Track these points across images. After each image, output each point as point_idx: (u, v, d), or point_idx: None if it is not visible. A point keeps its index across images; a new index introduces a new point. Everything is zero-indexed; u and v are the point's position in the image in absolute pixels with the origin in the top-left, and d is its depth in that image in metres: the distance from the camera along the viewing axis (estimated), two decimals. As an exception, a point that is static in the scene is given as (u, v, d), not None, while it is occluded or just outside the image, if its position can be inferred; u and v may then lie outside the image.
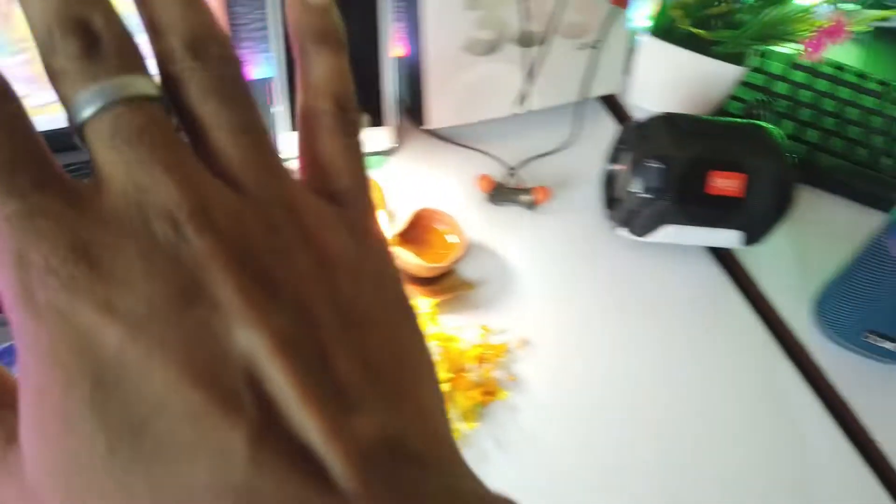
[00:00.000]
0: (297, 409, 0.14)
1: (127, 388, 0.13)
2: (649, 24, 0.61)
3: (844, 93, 0.68)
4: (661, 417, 0.49)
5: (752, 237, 0.54)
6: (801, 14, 0.54)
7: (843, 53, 0.78)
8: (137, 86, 0.15)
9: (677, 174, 0.51)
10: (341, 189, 0.18)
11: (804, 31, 0.54)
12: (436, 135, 0.63)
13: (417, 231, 0.55)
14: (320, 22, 0.18)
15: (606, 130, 0.66)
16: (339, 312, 0.16)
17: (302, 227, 0.16)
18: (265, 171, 0.16)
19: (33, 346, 0.14)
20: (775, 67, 0.69)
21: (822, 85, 0.68)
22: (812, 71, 0.70)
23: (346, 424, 0.14)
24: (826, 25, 0.53)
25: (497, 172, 0.61)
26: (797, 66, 0.70)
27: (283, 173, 0.16)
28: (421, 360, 0.17)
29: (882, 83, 0.70)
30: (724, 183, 0.51)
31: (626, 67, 0.66)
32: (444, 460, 0.16)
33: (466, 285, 0.54)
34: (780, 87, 0.67)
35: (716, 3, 0.58)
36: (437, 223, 0.55)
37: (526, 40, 0.60)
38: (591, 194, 0.60)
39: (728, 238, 0.54)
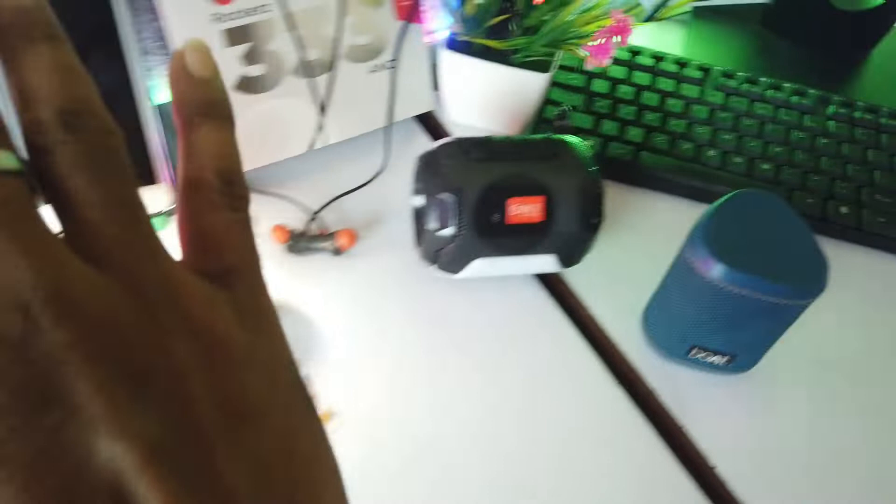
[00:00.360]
0: None
1: None
2: (445, 36, 0.56)
3: (665, 84, 0.65)
4: (496, 468, 0.45)
5: (568, 259, 0.50)
6: (589, 15, 0.51)
7: (662, 39, 0.76)
8: None
9: (472, 206, 0.46)
10: (227, 267, 0.16)
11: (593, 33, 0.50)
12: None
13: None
14: (205, 93, 0.17)
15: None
16: (223, 408, 0.13)
17: (181, 312, 0.14)
18: (139, 250, 0.14)
19: None
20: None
21: (641, 78, 0.65)
22: (630, 64, 0.66)
23: None
24: (609, 26, 0.49)
25: (298, 218, 0.55)
26: (614, 61, 0.66)
27: (160, 252, 0.15)
28: (319, 457, 0.16)
29: (703, 69, 0.67)
30: (523, 209, 0.47)
31: (435, 83, 0.62)
32: None
33: (266, 355, 0.49)
34: (599, 86, 0.64)
35: (498, 12, 0.54)
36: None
37: (307, 70, 0.54)
38: (406, 229, 0.55)
39: (543, 263, 0.50)
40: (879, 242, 0.58)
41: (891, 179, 0.60)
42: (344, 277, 0.53)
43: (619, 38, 0.49)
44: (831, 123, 0.64)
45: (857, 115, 0.65)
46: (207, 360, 0.14)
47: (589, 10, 0.52)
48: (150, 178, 0.52)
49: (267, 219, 0.54)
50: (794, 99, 0.65)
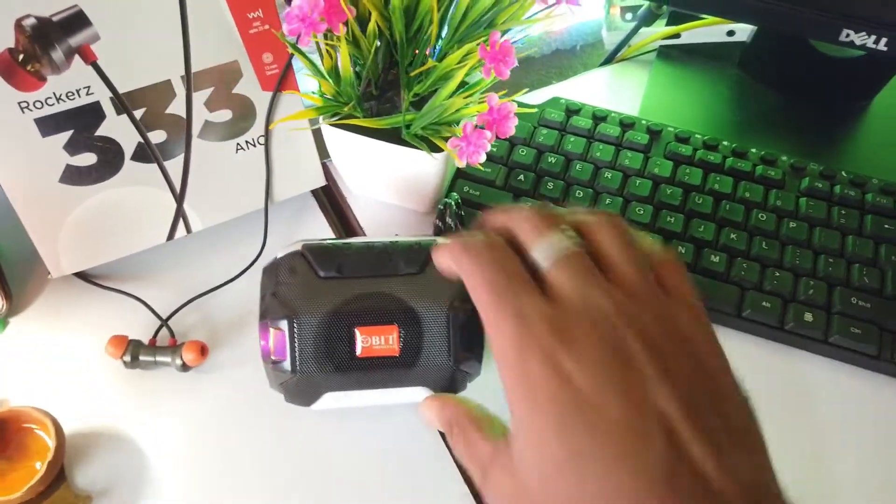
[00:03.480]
0: (700, 453, 0.23)
1: (585, 413, 0.23)
2: (322, 109, 0.47)
3: (604, 151, 0.55)
4: None
5: (447, 389, 0.41)
6: (462, 97, 0.41)
7: (620, 84, 0.65)
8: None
9: (311, 338, 0.38)
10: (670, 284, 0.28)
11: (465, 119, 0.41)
12: (84, 277, 0.49)
13: (2, 445, 0.41)
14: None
15: (319, 234, 0.53)
16: (704, 387, 0.24)
17: (674, 323, 0.26)
18: (646, 285, 0.27)
19: (523, 378, 0.25)
20: (521, 128, 0.56)
21: (575, 144, 0.55)
22: (564, 127, 0.56)
23: (733, 467, 0.23)
24: (481, 113, 0.40)
25: (150, 323, 0.48)
26: (543, 123, 0.57)
27: (652, 283, 0.27)
28: (756, 425, 0.25)
29: (652, 130, 0.56)
30: (373, 341, 0.38)
31: (327, 156, 0.53)
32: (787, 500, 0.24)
33: (82, 499, 0.41)
34: (523, 155, 0.54)
35: (370, 88, 0.45)
36: (31, 423, 0.42)
37: (147, 156, 0.46)
38: (269, 338, 0.47)
39: (414, 395, 0.41)
40: (850, 357, 0.47)
41: (873, 277, 0.49)
42: (188, 399, 0.45)
43: (493, 132, 0.39)
44: (804, 202, 0.53)
45: (837, 189, 0.53)
46: (690, 354, 0.25)
47: (468, 88, 0.42)
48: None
49: (113, 325, 0.47)
50: (760, 169, 0.54)
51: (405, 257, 0.40)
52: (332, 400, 0.40)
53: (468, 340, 0.39)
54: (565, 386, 0.24)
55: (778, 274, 0.49)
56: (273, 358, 0.39)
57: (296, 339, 0.38)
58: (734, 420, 0.24)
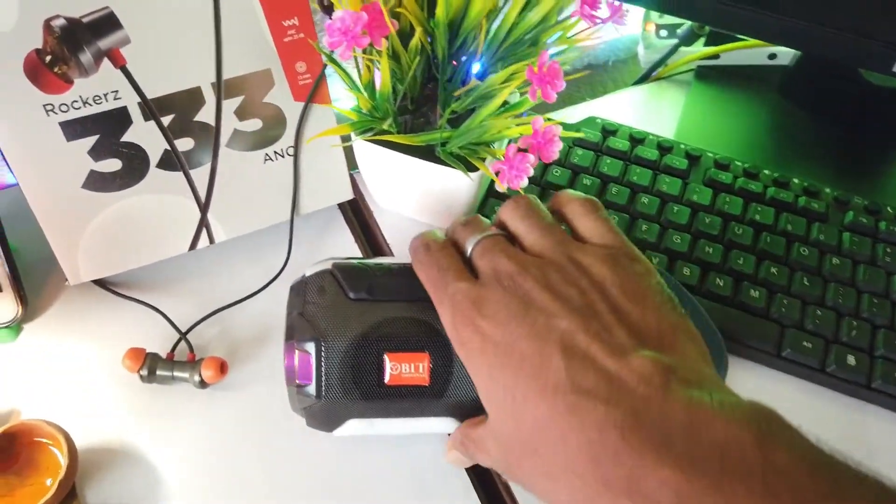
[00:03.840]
0: (601, 355, 0.28)
1: (501, 355, 0.30)
2: (358, 124, 0.46)
3: (641, 175, 0.53)
4: None
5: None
6: (506, 117, 0.39)
7: (656, 106, 0.63)
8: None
9: (337, 362, 0.36)
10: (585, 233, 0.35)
11: (509, 138, 0.39)
12: (102, 285, 0.48)
13: (13, 458, 0.40)
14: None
15: (344, 249, 0.52)
16: (608, 306, 0.30)
17: (579, 266, 0.32)
18: (553, 244, 0.33)
19: (461, 346, 0.32)
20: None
21: (611, 167, 0.53)
22: (600, 148, 0.55)
23: (638, 359, 0.27)
24: (524, 136, 0.38)
25: (168, 336, 0.46)
26: (578, 143, 0.55)
27: (559, 241, 0.33)
28: (678, 324, 0.30)
29: (691, 155, 0.55)
30: (403, 369, 0.37)
31: (355, 168, 0.51)
32: (709, 382, 0.27)
33: (92, 519, 0.40)
34: (557, 176, 0.53)
35: (408, 103, 0.43)
36: (43, 437, 0.41)
37: (172, 163, 0.45)
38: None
39: (442, 425, 0.39)
40: (892, 403, 0.45)
41: (919, 319, 0.47)
42: (205, 417, 0.44)
43: (536, 156, 0.38)
44: (847, 237, 0.51)
45: (882, 226, 0.51)
46: (596, 287, 0.31)
47: (510, 108, 0.41)
48: (-14, 287, 0.44)
49: (131, 337, 0.46)
50: (802, 201, 0.52)
51: None
52: (355, 427, 0.39)
53: None
54: (485, 341, 0.30)
55: (820, 312, 0.47)
56: (298, 382, 0.37)
57: (322, 363, 0.36)
58: (645, 323, 0.30)
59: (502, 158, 0.39)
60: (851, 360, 0.46)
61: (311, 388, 0.37)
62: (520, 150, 0.38)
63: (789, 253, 0.50)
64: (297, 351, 0.37)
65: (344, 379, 0.36)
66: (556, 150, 0.38)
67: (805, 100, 0.62)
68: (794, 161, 0.58)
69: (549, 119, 0.39)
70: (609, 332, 0.29)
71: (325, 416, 0.38)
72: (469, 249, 0.34)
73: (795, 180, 0.54)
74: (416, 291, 0.37)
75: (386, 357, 0.36)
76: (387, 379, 0.36)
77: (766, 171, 0.54)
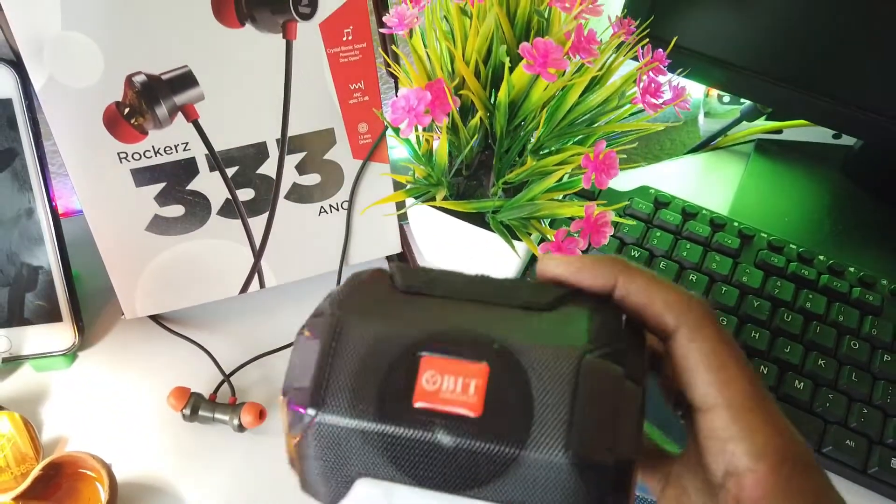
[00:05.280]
0: None
1: None
2: (412, 191, 0.47)
3: (691, 252, 0.53)
4: None
5: None
6: (559, 195, 0.40)
7: (713, 176, 0.63)
8: None
9: (352, 359, 0.22)
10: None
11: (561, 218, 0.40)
12: (156, 321, 0.50)
13: (56, 487, 0.42)
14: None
15: (386, 299, 0.53)
16: None
17: None
18: None
19: None
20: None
21: (661, 241, 0.53)
22: (651, 220, 0.54)
23: None
24: (578, 220, 0.38)
25: (212, 376, 0.48)
26: (630, 213, 0.55)
27: None
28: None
29: (744, 234, 0.54)
30: (444, 383, 0.21)
31: (404, 217, 0.52)
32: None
33: (126, 553, 0.41)
34: (604, 246, 0.53)
35: (471, 166, 0.44)
36: (87, 470, 0.42)
37: (232, 211, 0.46)
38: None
39: None
40: (941, 516, 0.44)
41: (972, 427, 0.45)
42: (242, 460, 0.45)
43: (586, 240, 0.38)
44: (902, 333, 0.49)
45: (940, 324, 0.50)
46: None
47: (563, 186, 0.41)
48: (55, 315, 0.46)
49: (177, 373, 0.47)
50: (857, 292, 0.51)
51: (531, 289, 0.24)
52: (365, 496, 0.23)
53: (605, 435, 0.21)
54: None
55: (866, 411, 0.46)
56: (295, 386, 0.23)
57: (331, 358, 0.22)
58: None
59: (552, 239, 0.39)
60: (895, 462, 0.44)
61: (305, 395, 0.22)
62: (570, 234, 0.38)
63: (839, 346, 0.49)
64: (304, 337, 0.24)
65: (357, 385, 0.22)
66: (607, 236, 0.39)
67: (868, 183, 0.61)
68: (853, 247, 0.57)
69: (602, 205, 0.39)
70: None
71: (319, 465, 0.23)
72: None
73: (851, 269, 0.53)
74: (492, 295, 0.24)
75: (421, 359, 0.22)
76: (418, 396, 0.21)
77: (822, 257, 0.53)
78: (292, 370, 0.23)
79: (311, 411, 0.22)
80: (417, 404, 0.21)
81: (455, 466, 0.21)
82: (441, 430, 0.21)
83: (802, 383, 0.47)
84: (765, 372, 0.47)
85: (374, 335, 0.23)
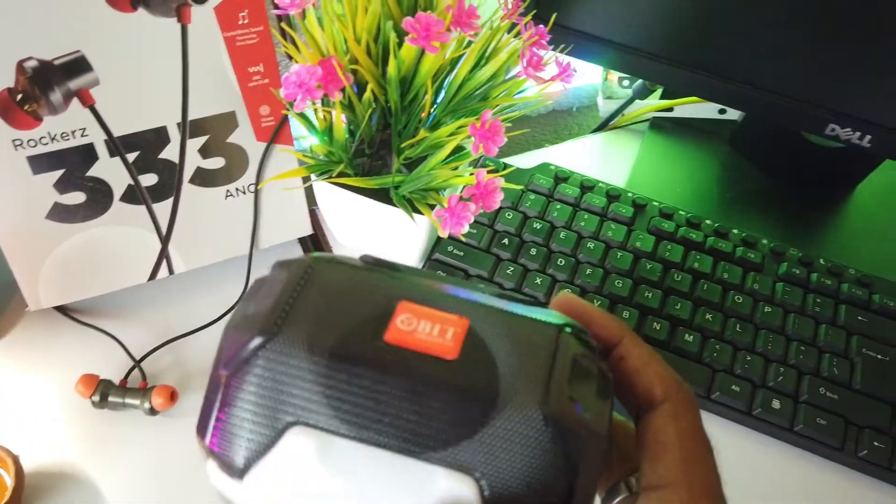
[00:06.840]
0: None
1: None
2: (314, 167, 0.48)
3: (588, 221, 0.56)
4: None
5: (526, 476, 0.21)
6: (449, 168, 0.42)
7: (611, 152, 0.66)
8: None
9: (322, 290, 0.21)
10: None
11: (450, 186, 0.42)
12: (63, 311, 0.49)
13: (-39, 477, 0.41)
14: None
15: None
16: None
17: None
18: None
19: None
20: (510, 192, 0.57)
21: (561, 213, 0.56)
22: (551, 194, 0.57)
23: None
24: (468, 186, 0.40)
25: (123, 363, 0.48)
26: (532, 188, 0.58)
27: None
28: None
29: (637, 203, 0.58)
30: (420, 326, 0.20)
31: (314, 202, 0.54)
32: None
33: (37, 542, 0.41)
34: (509, 219, 0.55)
35: (364, 147, 0.45)
36: (-7, 460, 0.42)
37: (136, 197, 0.47)
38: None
39: (452, 488, 0.19)
40: (815, 448, 0.48)
41: (843, 368, 0.50)
42: (154, 444, 0.45)
43: (478, 205, 0.40)
44: (780, 287, 0.54)
45: (814, 277, 0.54)
46: None
47: (460, 157, 0.43)
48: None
49: (87, 362, 0.47)
50: (740, 251, 0.55)
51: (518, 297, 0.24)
52: (300, 444, 0.19)
53: (586, 378, 0.21)
54: None
55: (749, 358, 0.50)
56: (245, 314, 0.21)
57: (299, 288, 0.21)
58: None
59: (446, 206, 0.41)
60: (776, 404, 0.48)
61: (257, 321, 0.20)
62: (462, 199, 0.41)
63: (724, 301, 0.53)
64: (267, 275, 0.22)
65: (322, 318, 0.20)
66: (497, 200, 0.41)
67: (752, 154, 0.65)
68: (739, 212, 0.62)
69: (492, 171, 0.41)
70: None
71: (251, 406, 0.20)
72: None
73: (735, 231, 0.57)
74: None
75: (399, 305, 0.21)
76: (388, 333, 0.20)
77: (708, 222, 0.57)
78: (245, 303, 0.22)
79: (257, 340, 0.20)
80: (386, 340, 0.20)
81: (413, 420, 0.19)
82: (407, 372, 0.19)
83: (692, 336, 0.50)
84: (657, 328, 0.51)
85: (349, 278, 0.21)
